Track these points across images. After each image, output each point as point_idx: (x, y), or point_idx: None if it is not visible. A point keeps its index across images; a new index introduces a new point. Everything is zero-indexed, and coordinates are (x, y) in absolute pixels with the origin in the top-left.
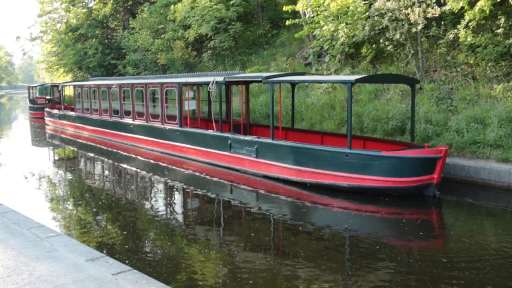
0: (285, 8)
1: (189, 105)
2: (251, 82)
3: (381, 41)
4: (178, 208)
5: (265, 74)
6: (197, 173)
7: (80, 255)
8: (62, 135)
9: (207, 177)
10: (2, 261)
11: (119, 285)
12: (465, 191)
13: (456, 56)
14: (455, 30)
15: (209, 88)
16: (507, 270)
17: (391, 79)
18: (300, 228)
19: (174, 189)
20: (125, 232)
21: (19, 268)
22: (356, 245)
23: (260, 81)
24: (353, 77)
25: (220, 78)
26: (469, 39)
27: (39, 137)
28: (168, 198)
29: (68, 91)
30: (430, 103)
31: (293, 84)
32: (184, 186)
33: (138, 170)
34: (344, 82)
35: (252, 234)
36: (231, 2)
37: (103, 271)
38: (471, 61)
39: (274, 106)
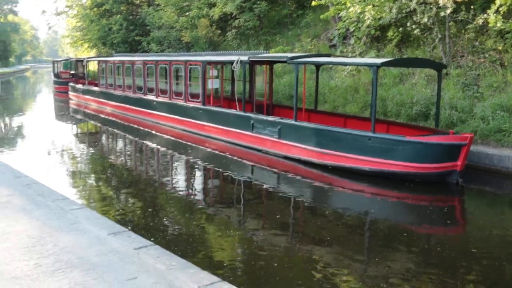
0: None
1: (213, 84)
2: (276, 62)
3: (408, 24)
4: (199, 186)
5: (290, 55)
6: (218, 152)
7: (102, 229)
8: (86, 110)
9: (229, 156)
10: (27, 231)
11: (141, 259)
12: (489, 179)
13: (485, 42)
14: (485, 15)
15: (233, 67)
16: None
17: (417, 63)
18: (320, 211)
19: (196, 167)
20: (146, 208)
21: (44, 238)
22: (375, 230)
23: (285, 62)
24: (379, 61)
25: (244, 58)
26: (498, 24)
27: (63, 111)
28: (189, 176)
29: (92, 67)
30: (456, 89)
31: (318, 66)
32: (206, 165)
33: (160, 147)
34: (370, 65)
35: (271, 215)
36: None
37: (125, 245)
38: (500, 47)
39: (298, 87)
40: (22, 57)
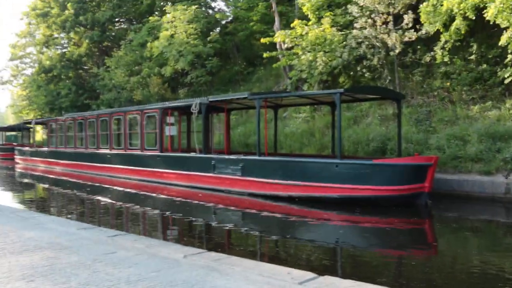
0: (262, 40)
1: (170, 131)
2: (235, 101)
3: (358, 68)
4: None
5: (249, 92)
6: (179, 198)
7: (70, 226)
8: (34, 173)
9: (189, 200)
10: None
11: (117, 242)
12: (450, 202)
13: (432, 83)
14: (432, 52)
15: (192, 109)
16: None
17: (377, 91)
18: (287, 243)
19: (154, 217)
20: None
21: (6, 233)
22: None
23: (245, 98)
24: (341, 90)
25: (204, 100)
26: (446, 59)
27: (9, 176)
28: (146, 227)
29: (38, 136)
30: (409, 124)
31: (276, 108)
32: (164, 213)
33: (115, 201)
34: (333, 93)
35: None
36: (208, 38)
37: (97, 235)
38: (448, 84)
39: (259, 124)
40: None
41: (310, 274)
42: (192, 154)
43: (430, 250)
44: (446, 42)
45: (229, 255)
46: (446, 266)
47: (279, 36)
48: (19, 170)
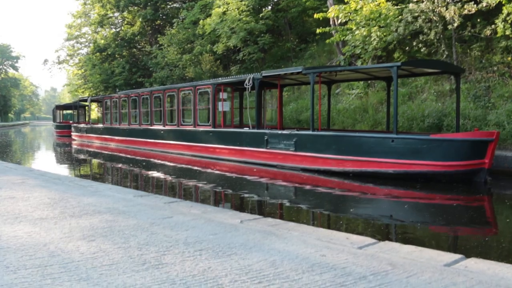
0: (316, 16)
1: (223, 106)
2: (289, 76)
3: (414, 43)
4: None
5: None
6: (232, 174)
7: (127, 193)
8: (89, 149)
9: (242, 175)
10: (47, 196)
11: (173, 207)
12: (510, 180)
13: (492, 58)
14: (493, 25)
15: (246, 84)
16: None
17: (436, 65)
18: (342, 217)
19: (208, 191)
20: None
21: (66, 199)
22: (402, 231)
23: (299, 73)
24: (398, 63)
25: (257, 75)
26: (507, 32)
27: (67, 151)
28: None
29: (93, 114)
30: (467, 101)
31: (330, 84)
32: (219, 187)
33: (169, 176)
34: (390, 67)
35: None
36: (260, 15)
37: (154, 201)
38: (509, 58)
39: (314, 100)
40: (21, 113)
41: (369, 239)
42: (245, 129)
43: (489, 228)
44: (508, 14)
45: (286, 221)
46: (506, 244)
47: (333, 11)
48: (75, 147)
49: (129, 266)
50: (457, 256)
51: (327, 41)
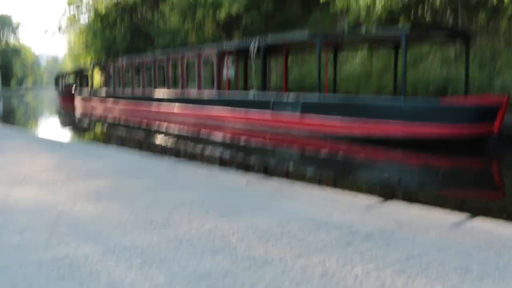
0: None
1: (228, 71)
2: (294, 41)
3: (419, 10)
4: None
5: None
6: (237, 138)
7: (132, 156)
8: (94, 114)
9: (248, 140)
10: (53, 160)
11: (179, 169)
12: None
13: (498, 25)
14: None
15: (251, 50)
16: None
17: (445, 32)
18: (350, 181)
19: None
20: None
21: (71, 163)
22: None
23: (305, 38)
24: (407, 27)
25: (262, 40)
26: None
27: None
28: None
29: (96, 80)
30: (472, 67)
31: (335, 50)
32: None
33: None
34: (399, 31)
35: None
36: None
37: (159, 163)
38: None
39: (320, 65)
40: (22, 81)
41: (376, 200)
42: (250, 93)
43: (496, 191)
44: None
45: (292, 183)
46: None
47: None
48: (78, 113)
49: (136, 225)
50: (464, 216)
51: (331, 4)
